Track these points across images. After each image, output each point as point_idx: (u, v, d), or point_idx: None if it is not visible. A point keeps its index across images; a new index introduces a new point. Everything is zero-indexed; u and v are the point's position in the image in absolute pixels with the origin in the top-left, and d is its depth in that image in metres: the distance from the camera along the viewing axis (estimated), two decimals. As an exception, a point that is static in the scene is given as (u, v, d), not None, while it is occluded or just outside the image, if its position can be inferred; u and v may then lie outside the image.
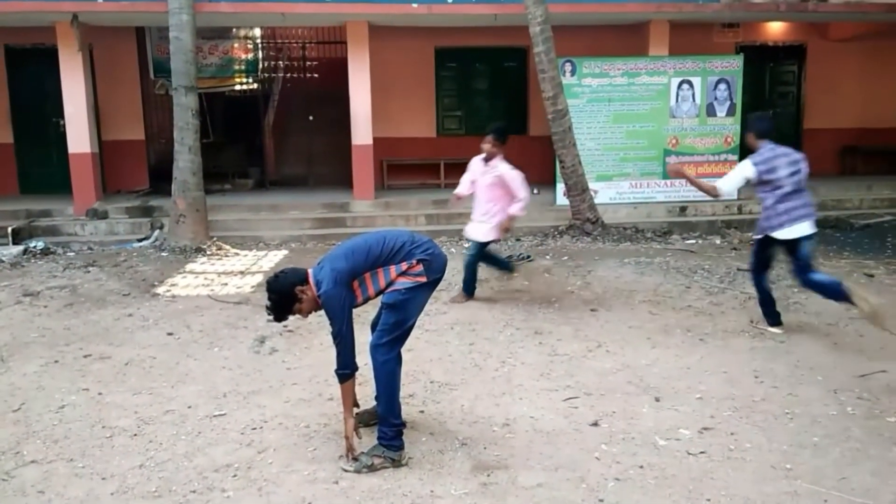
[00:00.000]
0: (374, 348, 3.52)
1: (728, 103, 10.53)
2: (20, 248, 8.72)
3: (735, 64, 10.55)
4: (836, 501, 3.13)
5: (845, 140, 12.75)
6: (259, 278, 7.40)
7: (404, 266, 3.46)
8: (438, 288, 3.97)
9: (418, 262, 3.46)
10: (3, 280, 7.43)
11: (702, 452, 3.58)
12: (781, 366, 4.71)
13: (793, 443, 3.66)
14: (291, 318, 3.58)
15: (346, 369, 3.42)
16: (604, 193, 10.33)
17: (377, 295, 3.53)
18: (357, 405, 3.74)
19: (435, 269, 3.53)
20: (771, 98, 12.88)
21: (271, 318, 3.55)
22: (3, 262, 8.22)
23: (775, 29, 12.59)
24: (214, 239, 9.09)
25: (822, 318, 5.71)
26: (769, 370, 4.63)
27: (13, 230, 9.14)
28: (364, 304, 3.57)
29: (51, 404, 4.28)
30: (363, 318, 4.43)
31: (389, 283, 3.47)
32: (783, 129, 12.77)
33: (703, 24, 11.71)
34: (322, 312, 3.46)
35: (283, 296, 3.44)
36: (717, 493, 3.19)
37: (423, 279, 3.47)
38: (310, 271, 3.49)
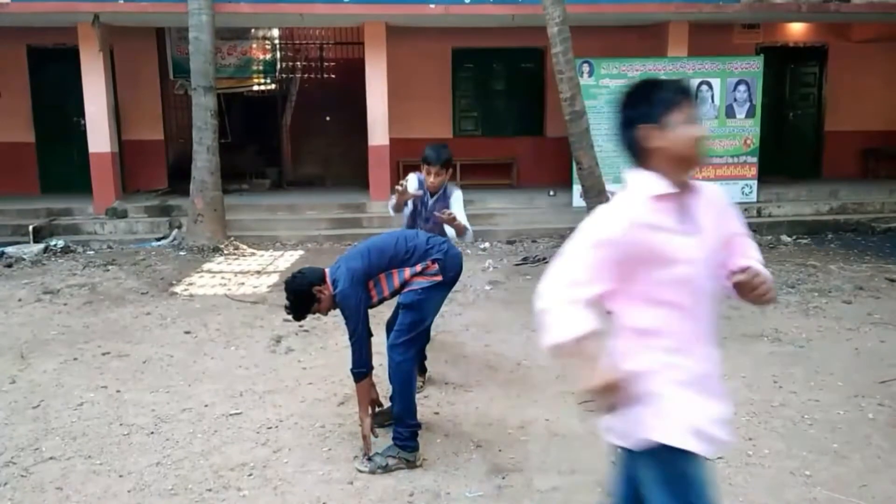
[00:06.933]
0: (391, 348, 3.53)
1: (748, 105, 10.42)
2: (41, 246, 8.82)
3: (755, 65, 10.45)
4: (857, 509, 3.09)
5: (867, 143, 12.56)
6: (275, 278, 7.43)
7: (419, 267, 3.46)
8: (454, 289, 3.96)
9: (433, 261, 3.47)
10: (23, 278, 7.52)
11: (719, 458, 3.53)
12: (801, 371, 4.65)
13: (812, 449, 3.62)
14: (310, 316, 3.62)
15: (361, 368, 3.43)
16: (621, 195, 10.24)
17: (392, 295, 3.54)
18: (381, 404, 3.75)
19: (450, 268, 3.53)
20: (791, 100, 12.73)
21: (291, 317, 3.58)
22: (24, 260, 8.32)
23: (796, 30, 12.44)
24: (232, 238, 9.14)
25: (842, 323, 5.63)
26: (788, 375, 4.57)
27: (34, 228, 9.25)
28: (379, 305, 3.58)
29: (69, 401, 4.32)
30: (379, 319, 4.43)
31: (404, 284, 3.48)
32: (804, 131, 12.67)
33: (722, 24, 11.60)
34: (338, 312, 3.48)
35: (302, 295, 3.47)
36: (734, 499, 3.16)
37: (439, 278, 3.48)
38: (327, 270, 3.51)
